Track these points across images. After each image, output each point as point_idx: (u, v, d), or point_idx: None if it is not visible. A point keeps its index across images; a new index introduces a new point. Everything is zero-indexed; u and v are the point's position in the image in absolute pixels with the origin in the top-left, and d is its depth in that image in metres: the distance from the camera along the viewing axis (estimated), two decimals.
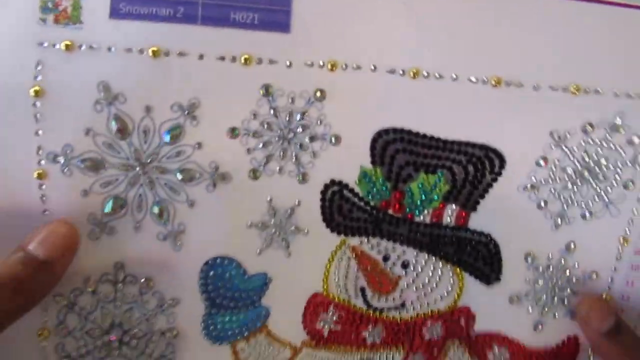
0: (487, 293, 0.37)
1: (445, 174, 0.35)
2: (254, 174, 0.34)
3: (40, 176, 0.32)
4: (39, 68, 0.31)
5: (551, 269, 0.37)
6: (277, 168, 0.34)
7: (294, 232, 0.35)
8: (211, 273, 0.35)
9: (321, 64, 0.33)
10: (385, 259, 0.37)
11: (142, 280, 0.34)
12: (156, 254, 0.34)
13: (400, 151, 0.35)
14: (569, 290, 0.38)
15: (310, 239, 0.35)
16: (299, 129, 0.34)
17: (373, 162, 0.35)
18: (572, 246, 0.37)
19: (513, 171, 0.36)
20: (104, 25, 0.31)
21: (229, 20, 0.32)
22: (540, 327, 0.38)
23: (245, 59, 0.33)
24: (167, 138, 0.32)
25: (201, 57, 0.32)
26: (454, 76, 0.34)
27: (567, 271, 0.37)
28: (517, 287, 0.37)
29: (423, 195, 0.36)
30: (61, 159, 0.32)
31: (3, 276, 0.29)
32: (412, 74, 0.34)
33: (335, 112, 0.34)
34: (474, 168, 0.35)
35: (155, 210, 0.33)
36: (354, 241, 0.36)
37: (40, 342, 0.34)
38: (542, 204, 0.36)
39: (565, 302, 0.38)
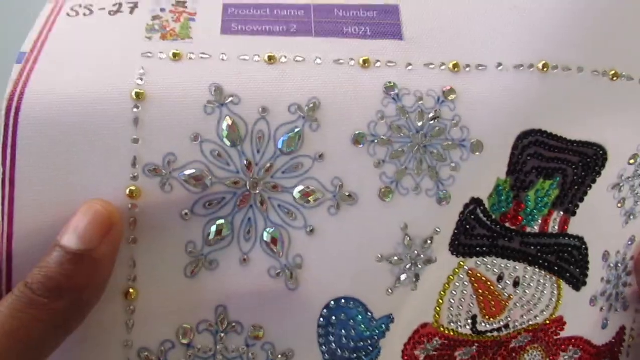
0: (576, 298, 0.34)
1: (560, 178, 0.31)
2: (385, 194, 0.28)
3: (132, 195, 0.26)
4: (142, 71, 0.26)
5: (619, 265, 0.35)
6: (413, 186, 0.28)
7: (426, 263, 0.29)
8: (333, 319, 0.28)
9: (442, 64, 0.29)
10: (500, 278, 0.32)
11: (250, 328, 0.27)
12: (267, 294, 0.27)
13: (531, 156, 0.30)
14: (626, 282, 0.36)
15: (436, 267, 0.30)
16: (433, 133, 0.28)
17: (508, 173, 0.30)
18: (634, 240, 0.35)
19: (608, 171, 0.32)
20: (215, 39, 0.29)
21: (342, 33, 0.30)
22: (607, 323, 0.35)
23: (364, 61, 0.29)
24: (283, 145, 0.27)
25: (318, 58, 0.28)
26: (580, 68, 0.30)
27: (628, 265, 0.36)
28: (596, 288, 0.34)
29: (538, 204, 0.31)
30: (162, 171, 0.26)
31: (38, 280, 0.23)
32: (541, 67, 0.29)
33: (471, 112, 0.29)
34: (583, 169, 0.32)
35: (267, 238, 0.27)
36: (471, 263, 0.31)
37: None
38: (621, 202, 0.34)
39: (622, 295, 0.36)
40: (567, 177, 0.31)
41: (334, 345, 0.28)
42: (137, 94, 0.26)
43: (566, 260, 0.33)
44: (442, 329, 0.31)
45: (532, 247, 0.32)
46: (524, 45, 0.30)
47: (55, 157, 0.26)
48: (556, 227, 0.32)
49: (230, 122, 0.27)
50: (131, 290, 0.26)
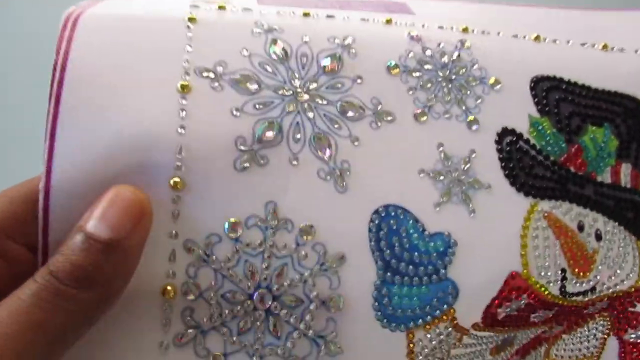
0: None
1: (610, 126, 0.33)
2: (420, 115, 0.30)
3: (183, 89, 0.26)
4: (191, 11, 0.29)
5: None
6: (443, 111, 0.30)
7: (473, 184, 0.29)
8: (383, 224, 0.27)
9: (452, 27, 0.33)
10: (580, 228, 0.31)
11: (301, 226, 0.26)
12: (318, 194, 0.27)
13: (561, 100, 0.32)
14: None
15: (494, 197, 0.29)
16: (456, 69, 0.31)
17: (539, 112, 0.32)
18: None
19: None
20: (253, 4, 0.32)
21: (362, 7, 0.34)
22: None
23: (387, 20, 0.32)
24: (325, 62, 0.29)
25: (347, 17, 0.32)
26: (567, 41, 0.34)
27: None
28: None
29: (598, 150, 0.32)
30: (211, 74, 0.27)
31: (64, 269, 0.22)
32: (533, 38, 0.34)
33: (486, 58, 0.32)
34: (634, 121, 0.33)
35: (316, 140, 0.27)
36: (545, 206, 0.30)
37: (163, 303, 0.23)
38: None
39: None
40: (618, 127, 0.33)
41: (387, 253, 0.27)
42: (190, 19, 0.28)
43: None
44: (531, 281, 0.30)
45: (608, 199, 0.32)
46: (516, 23, 0.35)
47: (107, 60, 0.27)
48: (628, 182, 0.32)
49: (276, 41, 0.29)
50: (177, 179, 0.25)
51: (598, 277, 0.31)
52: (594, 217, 0.31)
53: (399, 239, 0.27)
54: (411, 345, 0.27)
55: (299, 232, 0.26)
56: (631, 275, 0.32)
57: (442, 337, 0.28)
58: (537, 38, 0.34)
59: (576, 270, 0.30)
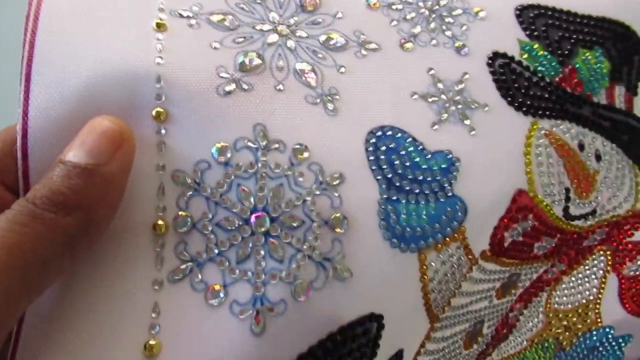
0: None
1: (601, 49, 0.32)
2: (405, 44, 0.29)
3: (159, 27, 0.26)
4: None
5: None
6: (429, 39, 0.30)
7: (470, 104, 0.28)
8: (379, 144, 0.26)
9: None
10: (581, 147, 0.30)
11: (292, 146, 0.24)
12: (307, 117, 0.25)
13: (549, 25, 0.32)
14: None
15: (493, 115, 0.28)
16: (439, 3, 0.31)
17: (529, 37, 0.31)
18: None
19: None
20: None
21: None
22: None
23: None
24: (303, 2, 0.28)
25: None
26: None
27: None
28: None
29: (592, 72, 0.31)
30: (188, 13, 0.26)
31: (42, 195, 0.21)
32: None
33: None
34: (623, 45, 0.33)
35: (300, 68, 0.26)
36: (546, 124, 0.29)
37: (155, 239, 0.22)
38: None
39: None
40: (609, 50, 0.32)
41: (387, 171, 0.25)
42: None
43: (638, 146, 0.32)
44: (537, 200, 0.28)
45: (605, 120, 0.31)
46: None
47: (78, 10, 0.26)
48: (622, 104, 0.32)
49: None
50: (159, 110, 0.24)
51: (599, 198, 0.30)
52: (593, 137, 0.30)
53: (398, 157, 0.26)
54: (424, 267, 0.25)
55: (292, 152, 0.24)
56: (629, 198, 0.31)
57: (453, 260, 0.26)
58: None
59: (579, 190, 0.29)
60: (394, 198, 0.25)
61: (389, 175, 0.25)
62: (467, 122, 0.28)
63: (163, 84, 0.24)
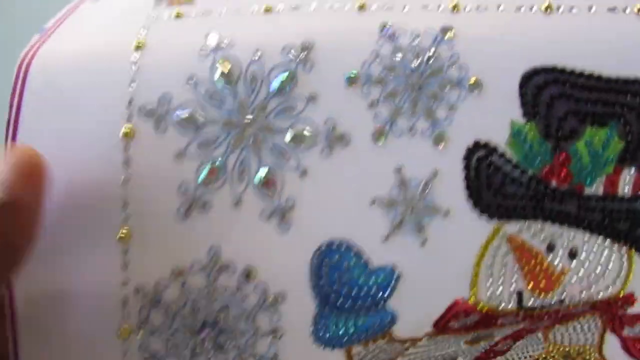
0: None
1: (617, 125, 0.28)
2: (379, 135, 0.28)
3: (127, 135, 0.27)
4: (143, 30, 0.28)
5: None
6: (407, 126, 0.28)
7: (430, 211, 0.28)
8: (325, 262, 0.28)
9: (439, 7, 0.29)
10: (550, 248, 0.29)
11: (242, 269, 0.28)
12: (259, 236, 0.28)
13: (557, 97, 0.28)
14: None
15: (452, 222, 0.28)
16: (429, 72, 0.28)
17: (526, 115, 0.28)
18: None
19: None
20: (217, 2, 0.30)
21: None
22: None
23: (360, 6, 0.29)
24: (276, 85, 0.27)
25: (331, 8, 0.29)
26: (590, 7, 0.29)
27: None
28: None
29: (593, 158, 0.29)
30: (155, 113, 0.27)
31: None
32: (543, 8, 0.29)
33: (470, 51, 0.28)
34: None
35: (260, 179, 0.28)
36: (512, 228, 0.29)
37: (121, 342, 0.28)
38: None
39: None
40: (629, 124, 0.28)
41: (327, 290, 0.28)
42: (138, 44, 0.28)
43: None
44: (480, 306, 0.29)
45: (594, 212, 0.29)
46: None
47: (55, 103, 0.27)
48: (629, 189, 0.29)
49: (223, 64, 0.27)
50: (124, 231, 0.27)
51: (565, 293, 0.30)
52: (570, 236, 0.29)
53: (339, 274, 0.28)
54: (350, 357, 0.30)
55: (240, 274, 0.28)
56: (611, 288, 0.30)
57: (381, 347, 0.30)
58: (548, 8, 0.29)
59: (537, 290, 0.30)
60: (328, 314, 0.28)
61: (327, 293, 0.28)
62: (421, 232, 0.28)
63: (130, 208, 0.27)
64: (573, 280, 0.30)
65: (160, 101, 0.27)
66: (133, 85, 0.27)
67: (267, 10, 0.29)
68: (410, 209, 0.28)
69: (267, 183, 0.28)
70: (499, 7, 0.29)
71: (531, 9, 0.29)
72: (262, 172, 0.28)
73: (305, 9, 0.29)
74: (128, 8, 0.30)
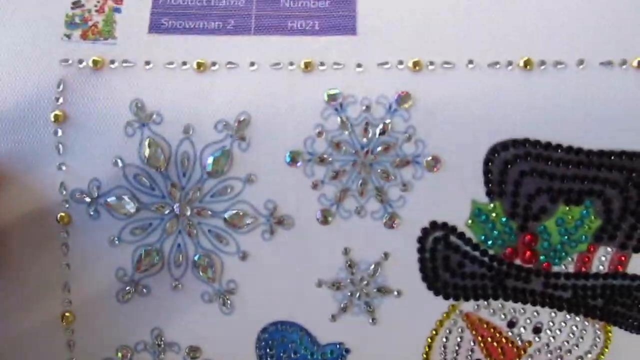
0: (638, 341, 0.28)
1: (594, 202, 0.25)
2: (324, 217, 0.26)
3: (62, 220, 0.26)
4: (60, 89, 0.25)
5: None
6: (355, 207, 0.26)
7: (381, 293, 0.27)
8: (271, 342, 0.27)
9: (400, 62, 0.25)
10: (511, 324, 0.28)
11: (187, 347, 0.27)
12: (202, 317, 0.27)
13: (527, 174, 0.25)
14: None
15: (405, 302, 0.27)
16: (380, 149, 0.25)
17: (489, 194, 0.25)
18: None
19: None
20: (141, 39, 0.26)
21: (287, 28, 0.26)
22: None
23: (306, 64, 0.25)
24: (210, 167, 0.25)
25: (252, 64, 0.26)
26: (579, 61, 0.25)
27: None
28: None
29: (564, 237, 0.26)
30: (87, 198, 0.26)
31: None
32: (522, 64, 0.25)
33: (429, 123, 0.25)
34: (638, 190, 0.25)
35: (198, 264, 0.26)
36: (468, 306, 0.27)
37: None
38: None
39: None
40: (610, 202, 0.25)
41: None
42: (56, 117, 0.25)
43: (623, 304, 0.27)
44: None
45: (564, 290, 0.27)
46: (503, 41, 0.26)
47: None
48: (604, 267, 0.27)
49: (151, 145, 0.25)
50: (67, 314, 0.27)
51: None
52: (534, 312, 0.27)
53: (287, 353, 0.27)
54: None
55: (186, 353, 0.27)
56: (592, 354, 0.28)
57: None
58: (527, 63, 0.25)
59: None
60: None
61: None
62: (371, 312, 0.27)
63: (71, 291, 0.27)
64: (539, 351, 0.28)
65: (90, 186, 0.25)
66: (62, 169, 0.25)
67: (200, 66, 0.25)
68: (359, 291, 0.27)
69: (205, 268, 0.26)
70: (469, 62, 0.25)
71: (508, 65, 0.25)
72: (200, 256, 0.26)
73: (243, 66, 0.25)
74: (35, 35, 0.26)
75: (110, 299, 0.27)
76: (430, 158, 0.25)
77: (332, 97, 0.25)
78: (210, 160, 0.25)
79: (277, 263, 0.26)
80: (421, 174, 0.25)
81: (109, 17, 0.26)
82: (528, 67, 0.25)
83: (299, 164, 0.25)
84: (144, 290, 0.27)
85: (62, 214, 0.26)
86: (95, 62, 0.25)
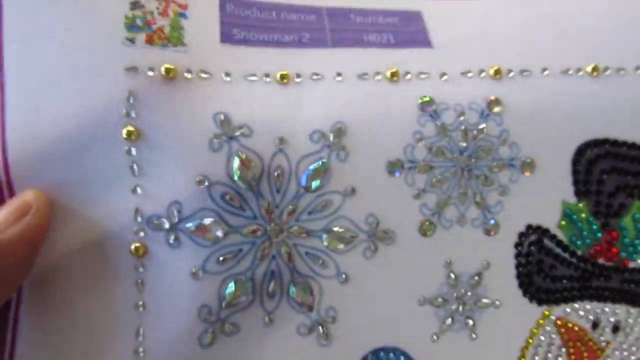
0: None
1: None
2: (427, 228, 0.24)
3: (137, 252, 0.22)
4: (130, 102, 0.21)
5: None
6: (457, 216, 0.24)
7: (480, 307, 0.25)
8: None
9: (481, 71, 0.25)
10: (595, 325, 0.27)
11: None
12: (298, 353, 0.24)
13: (607, 172, 0.26)
14: None
15: (502, 314, 0.26)
16: (479, 153, 0.25)
17: (577, 194, 0.26)
18: None
19: None
20: (214, 49, 0.23)
21: (363, 41, 0.25)
22: None
23: (392, 74, 0.24)
24: (307, 181, 0.23)
25: (338, 75, 0.24)
26: (636, 67, 0.27)
27: None
28: None
29: (639, 232, 0.27)
30: (166, 224, 0.22)
31: None
32: (590, 70, 0.26)
33: (520, 127, 0.25)
34: None
35: (295, 294, 0.23)
36: (559, 311, 0.27)
37: None
38: None
39: None
40: None
41: None
42: (129, 133, 0.21)
43: None
44: None
45: (637, 285, 0.27)
46: (568, 49, 0.27)
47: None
48: None
49: (242, 159, 0.22)
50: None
51: None
52: (614, 310, 0.28)
53: None
54: None
55: None
56: None
57: None
58: (595, 69, 0.26)
59: None
60: None
61: None
62: (471, 327, 0.25)
63: (145, 337, 0.22)
64: (615, 352, 0.28)
65: (169, 210, 0.22)
66: (136, 193, 0.21)
67: (284, 78, 0.23)
68: (461, 305, 0.25)
69: (304, 295, 0.23)
70: (544, 70, 0.26)
71: (578, 71, 0.26)
72: (297, 283, 0.23)
73: (329, 78, 0.24)
74: (95, 41, 0.22)
75: (192, 344, 0.22)
76: (525, 160, 0.25)
77: (425, 104, 0.24)
78: (307, 173, 0.23)
79: (378, 284, 0.24)
80: (517, 177, 0.25)
81: (176, 22, 0.23)
82: (595, 72, 0.26)
83: (399, 173, 0.24)
84: (231, 329, 0.23)
85: (137, 244, 0.22)
86: (167, 71, 0.22)
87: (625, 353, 0.29)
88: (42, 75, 0.21)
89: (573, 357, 0.28)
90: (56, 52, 0.22)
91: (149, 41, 0.23)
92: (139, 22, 0.23)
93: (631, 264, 0.27)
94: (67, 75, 0.21)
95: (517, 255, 0.25)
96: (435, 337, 0.25)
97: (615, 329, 0.28)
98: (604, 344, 0.28)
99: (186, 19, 0.24)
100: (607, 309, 0.28)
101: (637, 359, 0.29)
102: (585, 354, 0.28)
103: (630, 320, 0.28)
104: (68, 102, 0.21)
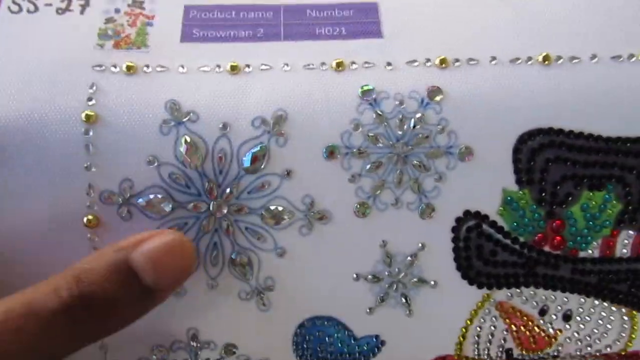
0: None
1: (615, 187, 0.26)
2: (362, 210, 0.26)
3: (90, 223, 0.25)
4: (92, 90, 0.25)
5: None
6: (392, 200, 0.26)
7: (417, 285, 0.27)
8: (309, 336, 0.27)
9: (427, 60, 0.26)
10: (542, 312, 0.28)
11: (223, 346, 0.27)
12: (238, 316, 0.27)
13: (552, 161, 0.26)
14: None
15: (440, 293, 0.27)
16: (415, 140, 0.26)
17: (519, 182, 0.26)
18: None
19: None
20: (173, 47, 0.27)
21: (314, 34, 0.28)
22: None
23: (337, 64, 0.26)
24: (248, 163, 0.25)
25: (286, 65, 0.26)
26: (592, 56, 0.26)
27: None
28: None
29: (589, 222, 0.27)
30: (118, 199, 0.25)
31: (94, 295, 0.21)
32: (541, 59, 0.26)
33: (460, 115, 0.26)
34: None
35: (235, 262, 0.26)
36: (501, 295, 0.28)
37: None
38: None
39: None
40: (629, 185, 0.26)
41: (310, 357, 0.28)
42: (88, 116, 0.24)
43: None
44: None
45: (591, 275, 0.28)
46: (520, 38, 0.27)
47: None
48: (627, 251, 0.27)
49: (188, 145, 0.24)
50: None
51: (560, 349, 0.29)
52: (564, 298, 0.28)
53: (323, 346, 0.27)
54: None
55: (222, 349, 0.27)
56: (612, 347, 0.29)
57: None
58: (546, 59, 0.26)
59: (527, 349, 0.29)
60: None
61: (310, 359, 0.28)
62: (406, 304, 0.27)
63: None
64: (568, 340, 0.29)
65: (121, 187, 0.25)
66: (90, 170, 0.25)
67: (234, 69, 0.25)
68: (396, 284, 0.27)
69: (243, 265, 0.26)
70: (492, 59, 0.26)
71: (528, 60, 0.26)
72: (238, 253, 0.26)
73: (276, 68, 0.26)
74: (67, 47, 0.26)
75: None
76: (463, 148, 0.25)
77: (366, 93, 0.25)
78: (247, 156, 0.25)
79: (314, 259, 0.26)
80: (454, 165, 0.26)
81: (142, 29, 0.27)
82: (547, 62, 0.26)
83: (335, 158, 0.25)
84: (179, 291, 0.26)
85: (90, 216, 0.25)
86: (128, 67, 0.25)
87: (581, 343, 0.29)
88: (20, 68, 0.25)
89: (518, 341, 0.29)
90: (36, 51, 0.25)
91: (116, 46, 0.27)
92: (110, 32, 0.27)
93: (581, 254, 0.27)
94: (40, 69, 0.25)
95: (455, 240, 0.26)
96: (369, 310, 0.27)
97: (567, 317, 0.28)
98: (552, 332, 0.29)
99: (152, 26, 0.27)
100: (556, 297, 0.28)
101: (596, 350, 0.30)
102: (532, 340, 0.29)
103: (582, 310, 0.28)
104: (37, 89, 0.24)
